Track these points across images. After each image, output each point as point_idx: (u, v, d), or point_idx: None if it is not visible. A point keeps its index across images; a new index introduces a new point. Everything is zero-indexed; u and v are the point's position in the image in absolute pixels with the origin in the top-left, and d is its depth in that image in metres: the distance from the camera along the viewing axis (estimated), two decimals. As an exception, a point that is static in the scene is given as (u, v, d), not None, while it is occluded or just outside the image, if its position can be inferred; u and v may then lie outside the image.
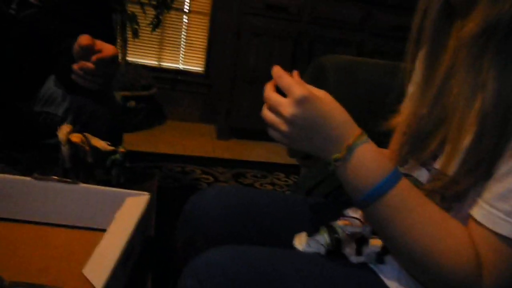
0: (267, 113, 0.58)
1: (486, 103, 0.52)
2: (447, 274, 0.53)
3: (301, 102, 0.54)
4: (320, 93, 0.56)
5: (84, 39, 0.97)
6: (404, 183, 0.55)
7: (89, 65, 0.97)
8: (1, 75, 1.14)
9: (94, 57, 0.96)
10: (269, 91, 0.58)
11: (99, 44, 0.99)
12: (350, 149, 0.54)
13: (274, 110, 0.57)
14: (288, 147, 0.60)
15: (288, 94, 0.55)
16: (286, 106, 0.55)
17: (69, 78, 1.04)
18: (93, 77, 1.00)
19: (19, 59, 1.16)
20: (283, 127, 0.56)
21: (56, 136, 0.99)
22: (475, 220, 0.53)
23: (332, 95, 1.09)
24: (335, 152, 0.55)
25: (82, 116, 1.13)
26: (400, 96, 0.75)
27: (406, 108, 0.72)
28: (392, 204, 0.54)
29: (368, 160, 0.55)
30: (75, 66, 1.00)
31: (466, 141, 0.54)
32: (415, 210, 0.55)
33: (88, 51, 0.98)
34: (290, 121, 0.55)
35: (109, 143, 0.98)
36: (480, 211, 0.53)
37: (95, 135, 1.02)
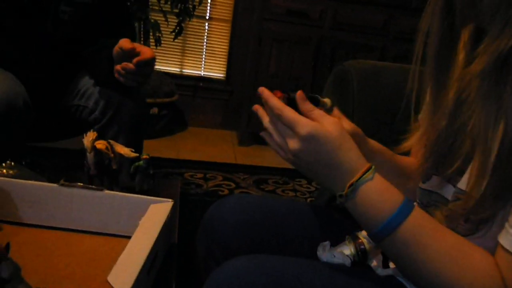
0: (271, 140, 0.59)
1: (509, 129, 0.51)
2: None
3: (307, 139, 0.54)
4: (329, 127, 0.55)
5: (125, 43, 1.11)
6: (417, 215, 0.54)
7: (131, 66, 1.10)
8: (40, 71, 1.24)
9: (135, 60, 1.09)
10: (280, 104, 0.57)
11: (138, 47, 1.12)
12: (353, 188, 0.54)
13: (281, 136, 0.57)
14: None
15: (294, 129, 0.55)
16: (291, 141, 0.55)
17: (107, 76, 1.17)
18: (134, 76, 1.13)
19: (56, 55, 1.26)
20: (289, 156, 0.57)
21: (87, 126, 1.10)
22: (502, 247, 0.50)
23: (356, 101, 1.07)
24: (339, 190, 0.55)
25: (110, 106, 1.21)
26: (408, 118, 0.72)
27: (424, 119, 0.69)
28: (405, 238, 0.53)
29: (374, 197, 0.54)
30: (117, 67, 1.13)
31: (491, 163, 0.52)
32: (431, 243, 0.53)
33: (129, 53, 1.10)
34: (295, 155, 0.56)
35: (132, 150, 0.99)
36: (506, 236, 0.50)
37: (121, 126, 1.17)
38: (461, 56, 0.62)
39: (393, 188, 0.56)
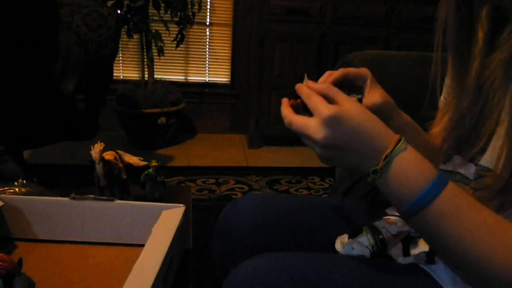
0: (300, 137, 0.56)
1: None
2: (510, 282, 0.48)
3: (330, 123, 0.52)
4: (350, 105, 0.53)
5: None
6: (451, 188, 0.51)
7: None
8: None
9: None
10: (289, 113, 0.56)
11: None
12: (388, 161, 0.51)
13: (302, 134, 0.54)
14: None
15: (314, 114, 0.53)
16: (315, 129, 0.52)
17: None
18: None
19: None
20: (316, 149, 0.54)
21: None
22: None
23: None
24: (373, 165, 0.52)
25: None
26: (432, 102, 0.71)
27: (445, 102, 0.68)
28: (439, 212, 0.50)
29: (409, 168, 0.51)
30: None
31: None
32: (466, 217, 0.50)
33: None
34: (322, 145, 0.53)
35: (141, 159, 0.99)
36: None
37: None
38: (480, 41, 0.62)
39: (426, 160, 0.53)
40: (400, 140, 0.52)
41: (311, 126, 0.53)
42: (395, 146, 0.51)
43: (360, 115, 0.53)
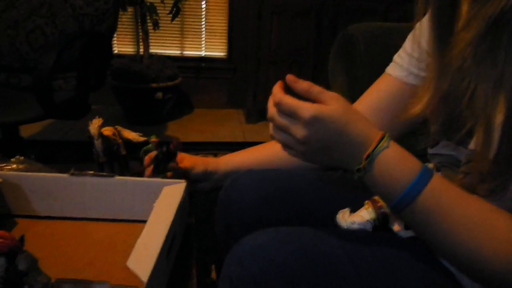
0: (277, 134, 0.55)
1: (508, 95, 0.49)
2: (503, 270, 0.49)
3: (311, 123, 0.51)
4: (332, 105, 0.52)
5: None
6: (436, 182, 0.51)
7: None
8: None
9: None
10: (273, 111, 0.54)
11: None
12: (371, 159, 0.52)
13: (284, 131, 0.54)
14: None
15: (295, 117, 0.52)
16: (297, 128, 0.52)
17: None
18: None
19: None
20: (298, 147, 0.54)
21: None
22: None
23: (364, 65, 1.04)
24: (357, 164, 0.52)
25: None
26: None
27: (426, 79, 0.65)
28: (426, 206, 0.51)
29: (391, 166, 0.52)
30: None
31: (499, 121, 0.50)
32: (455, 209, 0.51)
33: None
34: (304, 142, 0.52)
35: (140, 134, 0.97)
36: None
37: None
38: (464, 15, 0.57)
39: (410, 155, 0.53)
40: (383, 137, 0.52)
41: (292, 126, 0.52)
42: (377, 145, 0.52)
43: (345, 114, 0.52)
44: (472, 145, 0.56)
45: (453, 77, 0.57)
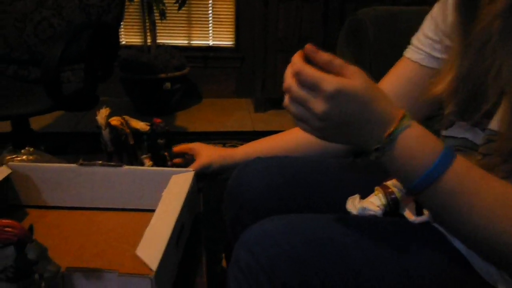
0: (292, 107, 0.50)
1: None
2: None
3: (334, 97, 0.47)
4: (356, 80, 0.48)
5: None
6: (459, 163, 0.49)
7: None
8: None
9: None
10: (291, 82, 0.50)
11: None
12: (392, 138, 0.49)
13: (301, 104, 0.50)
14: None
15: (316, 89, 0.48)
16: (317, 102, 0.48)
17: None
18: None
19: None
20: (315, 122, 0.49)
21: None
22: None
23: (373, 50, 1.02)
24: (376, 143, 0.49)
25: None
26: None
27: (448, 58, 0.63)
28: (447, 189, 0.49)
29: (413, 145, 0.49)
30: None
31: None
32: (477, 191, 0.49)
33: None
34: (323, 118, 0.48)
35: (148, 124, 0.97)
36: None
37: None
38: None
39: (431, 134, 0.51)
40: (405, 116, 0.49)
41: (312, 99, 0.48)
42: (399, 123, 0.49)
43: (368, 91, 0.49)
44: (492, 125, 0.54)
45: (476, 55, 0.55)
